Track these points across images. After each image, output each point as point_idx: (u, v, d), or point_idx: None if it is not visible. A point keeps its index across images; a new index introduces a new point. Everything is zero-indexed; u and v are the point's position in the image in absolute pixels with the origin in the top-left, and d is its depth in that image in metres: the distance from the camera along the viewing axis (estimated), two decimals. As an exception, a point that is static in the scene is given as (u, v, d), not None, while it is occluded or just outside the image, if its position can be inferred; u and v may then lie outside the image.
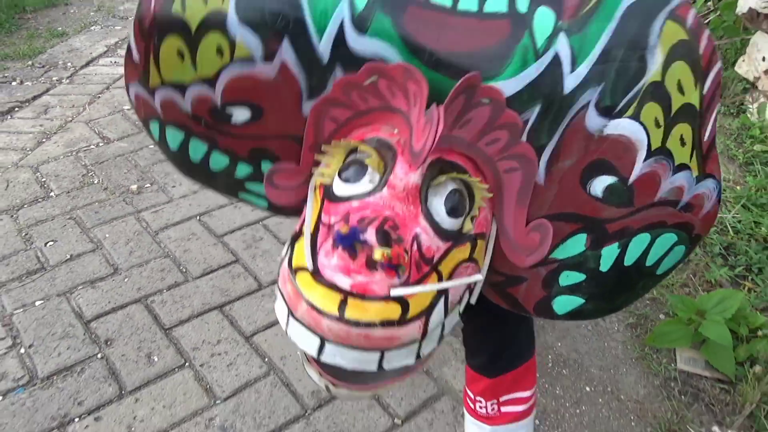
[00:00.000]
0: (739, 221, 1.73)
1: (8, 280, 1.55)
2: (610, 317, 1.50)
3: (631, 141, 0.58)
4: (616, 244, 0.64)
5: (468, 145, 0.62)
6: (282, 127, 0.67)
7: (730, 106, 2.39)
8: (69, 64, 2.98)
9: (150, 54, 0.65)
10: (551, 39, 0.58)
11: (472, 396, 0.99)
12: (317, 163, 0.66)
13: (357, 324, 0.52)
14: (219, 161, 0.72)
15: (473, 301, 0.69)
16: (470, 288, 0.66)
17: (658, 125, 0.59)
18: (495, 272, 0.70)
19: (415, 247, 0.56)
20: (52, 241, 1.69)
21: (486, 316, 0.83)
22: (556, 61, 0.58)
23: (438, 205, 0.59)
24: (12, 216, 1.80)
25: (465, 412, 1.04)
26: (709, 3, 2.89)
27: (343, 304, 0.52)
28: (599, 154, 0.60)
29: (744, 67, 2.35)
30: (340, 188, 0.61)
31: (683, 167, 0.61)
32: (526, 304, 0.71)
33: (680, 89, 0.59)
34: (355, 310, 0.52)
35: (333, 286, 0.53)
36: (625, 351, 1.42)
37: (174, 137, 0.72)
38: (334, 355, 0.55)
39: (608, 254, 0.64)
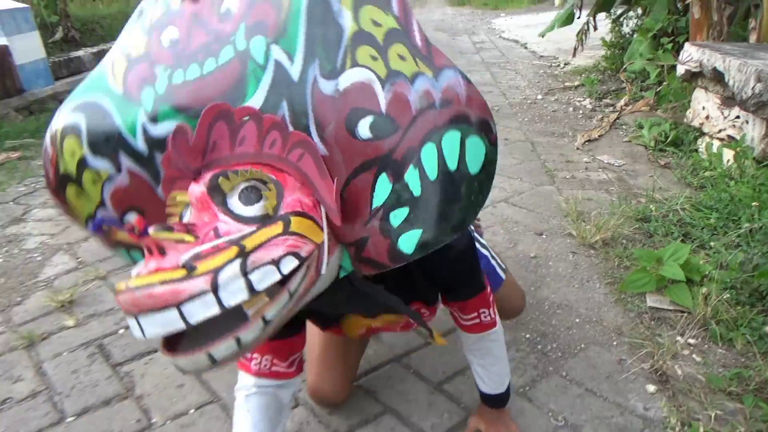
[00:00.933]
0: (692, 218, 2.13)
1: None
2: (591, 278, 1.86)
3: (362, 81, 0.71)
4: (411, 166, 0.72)
5: (254, 155, 0.73)
6: (160, 217, 0.79)
7: (686, 150, 2.87)
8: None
9: (65, 206, 0.84)
10: (267, 53, 0.73)
11: (475, 314, 1.13)
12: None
13: (138, 287, 0.62)
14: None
15: (323, 270, 0.75)
16: (319, 261, 0.74)
17: (375, 59, 0.72)
18: (348, 245, 0.78)
19: (212, 233, 0.68)
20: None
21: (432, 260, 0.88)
22: (277, 65, 0.73)
23: (235, 202, 0.71)
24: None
25: (467, 337, 1.17)
26: (661, 77, 3.51)
27: (131, 286, 0.63)
28: (348, 105, 0.72)
29: (691, 117, 2.88)
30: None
31: (417, 74, 0.72)
32: (381, 258, 0.76)
33: (376, 23, 0.73)
34: (138, 280, 0.63)
35: (137, 275, 0.64)
36: (606, 297, 1.76)
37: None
38: (148, 327, 0.62)
39: (411, 178, 0.72)
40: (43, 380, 1.47)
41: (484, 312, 1.13)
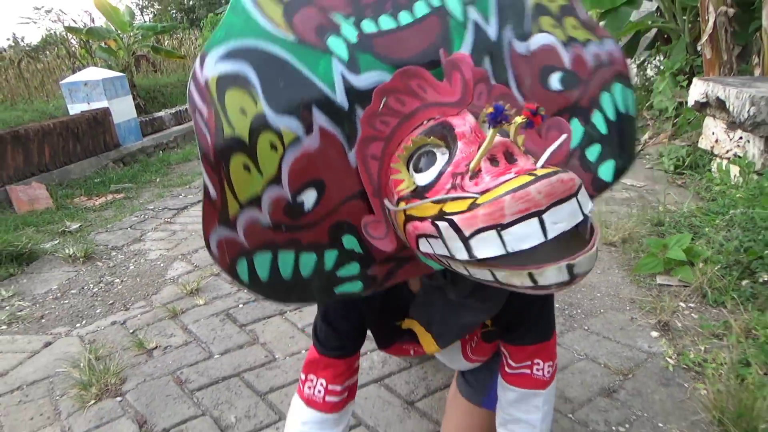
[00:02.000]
0: (700, 221, 2.51)
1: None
2: (611, 266, 2.26)
3: (549, 44, 0.80)
4: (596, 111, 0.84)
5: (464, 103, 0.74)
6: (343, 190, 0.73)
7: (701, 171, 3.26)
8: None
9: (224, 182, 0.71)
10: (465, 14, 0.77)
11: (528, 363, 1.04)
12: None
13: (548, 175, 0.58)
14: (308, 262, 0.77)
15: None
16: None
17: (555, 27, 0.82)
18: None
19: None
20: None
21: (518, 301, 0.95)
22: (476, 25, 0.77)
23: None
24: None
25: (505, 393, 1.07)
26: (679, 111, 3.92)
27: (529, 175, 0.58)
28: (540, 63, 0.80)
29: (703, 143, 3.27)
30: (424, 179, 0.68)
31: (588, 41, 0.84)
32: (590, 190, 0.81)
33: (551, 0, 0.83)
34: (540, 171, 0.59)
35: (507, 181, 0.59)
36: (623, 279, 2.16)
37: (262, 264, 0.76)
38: (555, 223, 0.57)
39: (598, 120, 0.84)
40: (190, 335, 1.97)
41: (539, 364, 1.03)
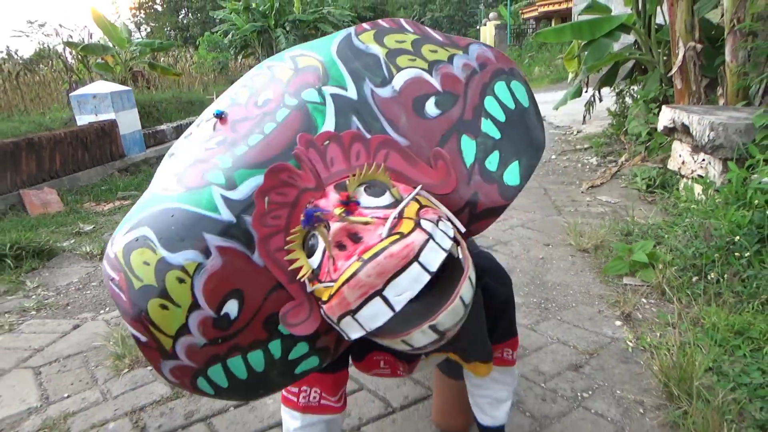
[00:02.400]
0: (664, 232, 2.79)
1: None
2: (584, 269, 2.53)
3: (413, 77, 0.85)
4: (483, 119, 0.86)
5: (346, 170, 0.80)
6: (261, 289, 0.78)
7: (670, 190, 3.56)
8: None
9: (149, 326, 0.77)
10: (320, 94, 0.86)
11: (498, 354, 1.17)
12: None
13: (376, 255, 0.64)
14: (257, 359, 0.81)
15: (463, 228, 0.82)
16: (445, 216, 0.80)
17: (413, 60, 0.88)
18: (460, 212, 0.84)
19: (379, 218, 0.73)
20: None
21: (482, 308, 1.02)
22: (334, 96, 0.85)
23: (366, 199, 0.76)
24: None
25: (489, 378, 1.18)
26: (651, 136, 4.24)
27: (360, 260, 0.65)
28: (409, 97, 0.85)
29: (672, 164, 3.58)
30: (315, 262, 0.75)
31: (452, 56, 0.89)
32: (496, 202, 0.85)
33: (399, 42, 0.90)
34: (367, 253, 0.65)
35: (346, 269, 0.66)
36: (593, 279, 2.43)
37: (217, 375, 0.81)
38: (397, 296, 0.63)
39: (487, 127, 0.86)
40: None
41: (507, 351, 1.16)
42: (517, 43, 18.35)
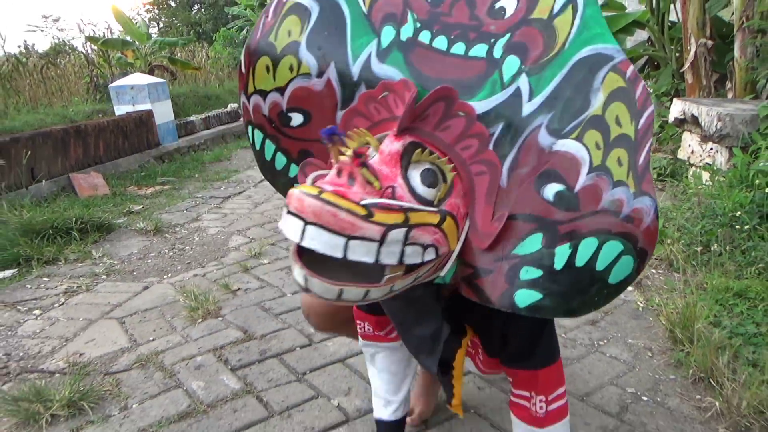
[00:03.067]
0: (673, 215, 3.03)
1: (277, 238, 2.96)
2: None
3: (575, 157, 0.72)
4: (567, 245, 0.72)
5: (447, 146, 0.78)
6: (320, 127, 0.81)
7: (679, 178, 3.79)
8: (250, 180, 4.67)
9: (251, 67, 0.91)
10: (515, 77, 0.77)
11: (526, 393, 1.02)
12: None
13: (328, 203, 0.65)
14: (281, 160, 0.94)
15: (443, 273, 0.80)
16: (443, 263, 0.79)
17: (598, 147, 0.72)
18: (467, 265, 0.80)
19: (389, 191, 0.73)
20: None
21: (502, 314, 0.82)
22: (517, 92, 0.77)
23: (415, 176, 0.76)
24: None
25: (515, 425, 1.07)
26: (663, 128, 4.46)
27: (321, 193, 0.66)
28: (550, 165, 0.73)
29: (681, 153, 3.81)
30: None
31: (621, 183, 0.71)
32: (491, 294, 0.77)
33: (618, 122, 0.72)
34: (329, 195, 0.66)
35: (319, 187, 0.68)
36: (607, 253, 2.67)
37: (258, 138, 0.95)
38: (312, 238, 0.65)
39: (561, 253, 0.72)
40: (264, 282, 2.47)
41: (533, 398, 1.01)
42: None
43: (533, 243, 0.75)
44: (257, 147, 0.96)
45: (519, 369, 1.03)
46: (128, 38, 8.91)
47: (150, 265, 2.80)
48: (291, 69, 0.88)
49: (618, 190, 0.71)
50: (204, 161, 5.69)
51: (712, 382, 1.57)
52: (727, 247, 2.33)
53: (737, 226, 2.38)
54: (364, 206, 0.67)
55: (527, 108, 0.77)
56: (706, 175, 3.42)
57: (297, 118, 0.90)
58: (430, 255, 0.73)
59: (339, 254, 0.66)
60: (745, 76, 3.79)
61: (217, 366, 1.79)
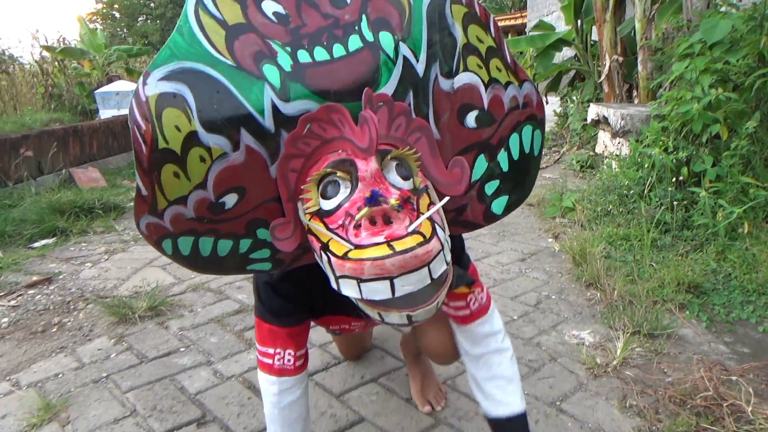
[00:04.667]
0: (588, 194, 3.84)
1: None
2: (528, 215, 3.54)
3: (472, 84, 0.89)
4: (502, 150, 0.94)
5: (384, 136, 0.83)
6: (262, 194, 0.85)
7: (597, 168, 4.64)
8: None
9: (155, 184, 0.81)
10: (396, 49, 0.84)
11: (464, 302, 1.13)
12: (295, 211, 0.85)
13: (405, 251, 0.71)
14: (224, 246, 0.89)
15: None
16: (443, 220, 0.86)
17: (480, 67, 0.89)
18: (446, 212, 0.91)
19: (408, 205, 0.78)
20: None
21: None
22: (405, 61, 0.84)
23: (394, 177, 0.81)
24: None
25: (463, 335, 1.17)
26: (585, 129, 5.34)
27: (390, 247, 0.72)
28: (459, 100, 0.89)
29: (598, 148, 4.67)
30: (327, 205, 0.80)
31: (508, 83, 0.92)
32: (476, 219, 0.96)
33: (479, 40, 0.89)
34: (400, 245, 0.72)
35: (377, 244, 0.72)
36: (535, 220, 3.45)
37: (185, 245, 0.87)
38: (403, 286, 0.72)
39: (502, 158, 0.94)
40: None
41: (473, 295, 1.14)
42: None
43: (481, 164, 0.93)
44: (186, 253, 0.88)
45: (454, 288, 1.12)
46: (83, 47, 9.09)
47: (168, 234, 3.39)
48: (203, 159, 0.80)
49: (510, 90, 0.92)
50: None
51: (598, 285, 2.33)
52: (620, 209, 3.14)
53: (627, 195, 3.20)
54: (413, 232, 0.74)
55: (420, 67, 0.86)
56: (614, 164, 4.27)
57: (231, 200, 0.84)
58: (444, 230, 0.83)
59: (428, 281, 0.74)
60: (645, 85, 4.69)
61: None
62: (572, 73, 6.62)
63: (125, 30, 28.25)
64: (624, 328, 1.93)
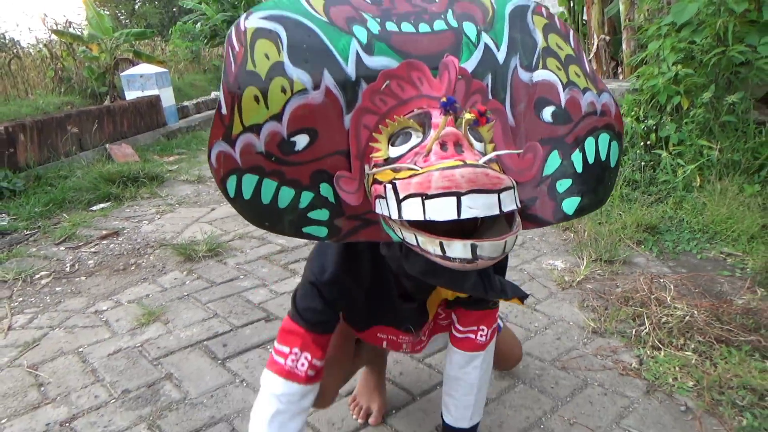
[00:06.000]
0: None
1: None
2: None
3: (550, 81, 0.92)
4: (576, 150, 0.92)
5: (461, 108, 0.82)
6: (332, 144, 0.85)
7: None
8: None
9: (235, 104, 0.81)
10: (478, 36, 0.90)
11: (474, 328, 1.17)
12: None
13: (477, 165, 0.70)
14: (286, 196, 0.86)
15: (518, 202, 0.77)
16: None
17: (559, 69, 0.93)
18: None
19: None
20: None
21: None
22: (487, 47, 0.90)
23: (469, 136, 0.81)
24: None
25: (453, 358, 1.20)
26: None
27: (461, 161, 0.71)
28: (537, 93, 0.92)
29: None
30: (396, 152, 0.81)
31: (586, 89, 0.93)
32: (546, 216, 0.92)
33: (559, 47, 0.95)
34: (471, 161, 0.71)
35: (447, 161, 0.72)
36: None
37: (249, 184, 0.84)
38: (470, 207, 0.67)
39: (576, 158, 0.92)
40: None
41: (482, 330, 1.17)
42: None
43: (554, 160, 0.91)
44: (248, 195, 0.85)
45: (479, 309, 1.16)
46: (91, 31, 9.39)
47: (206, 199, 3.90)
48: (284, 90, 0.82)
49: (588, 95, 0.93)
50: (204, 138, 6.71)
51: (572, 228, 2.84)
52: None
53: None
54: (485, 163, 0.73)
55: (500, 56, 0.90)
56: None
57: (302, 141, 0.85)
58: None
59: (496, 211, 0.69)
60: (628, 62, 5.15)
61: (286, 237, 2.93)
62: (565, 51, 7.05)
63: (123, 13, 28.40)
64: (589, 256, 2.44)
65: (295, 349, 1.06)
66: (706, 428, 1.40)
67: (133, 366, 1.79)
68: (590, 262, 2.39)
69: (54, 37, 9.66)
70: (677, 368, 1.62)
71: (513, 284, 1.05)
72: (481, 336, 1.17)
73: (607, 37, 5.63)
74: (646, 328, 1.82)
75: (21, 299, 2.34)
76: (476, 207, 0.68)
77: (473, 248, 0.70)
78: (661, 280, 2.15)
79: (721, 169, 3.12)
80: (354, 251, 1.03)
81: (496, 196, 0.69)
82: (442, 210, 0.69)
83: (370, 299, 1.09)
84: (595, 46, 5.67)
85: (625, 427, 1.43)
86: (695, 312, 1.83)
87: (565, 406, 1.52)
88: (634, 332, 1.83)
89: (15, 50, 10.81)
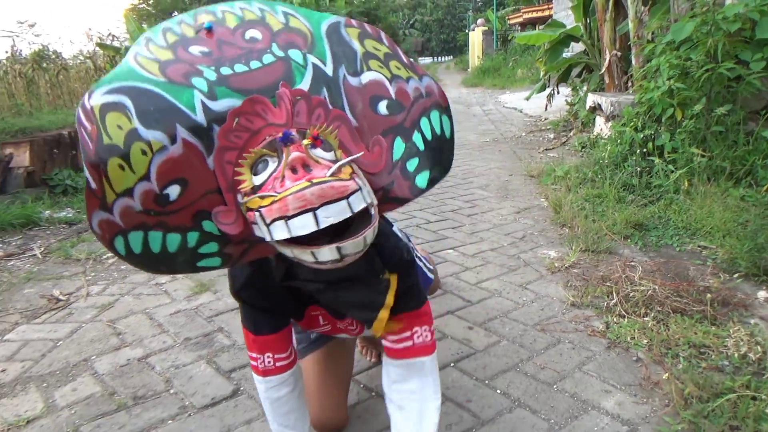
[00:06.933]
0: (586, 166, 4.65)
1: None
2: (530, 182, 4.39)
3: (377, 80, 1.05)
4: (416, 132, 1.08)
5: (306, 124, 0.94)
6: (203, 186, 0.92)
7: (595, 149, 5.43)
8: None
9: (102, 177, 0.89)
10: (305, 59, 1.00)
11: (409, 333, 1.18)
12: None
13: (322, 182, 0.82)
14: (174, 241, 0.95)
15: (371, 198, 0.93)
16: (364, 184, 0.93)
17: (381, 67, 1.06)
18: (376, 191, 1.00)
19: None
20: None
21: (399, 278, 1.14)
22: (315, 66, 1.00)
23: (317, 152, 0.91)
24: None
25: (391, 368, 1.21)
26: (578, 120, 6.13)
27: (308, 181, 0.83)
28: (369, 93, 1.04)
29: (595, 131, 5.47)
30: (258, 180, 0.90)
31: (409, 78, 1.08)
32: (404, 194, 1.04)
33: (376, 49, 1.07)
34: (318, 178, 0.84)
35: (298, 184, 0.83)
36: (535, 186, 4.29)
37: (136, 240, 0.94)
38: (326, 217, 0.82)
39: (417, 138, 1.07)
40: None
41: (417, 331, 1.18)
42: (502, 48, 20.21)
43: (399, 145, 1.05)
44: (137, 250, 0.95)
45: (411, 311, 1.19)
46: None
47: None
48: (144, 153, 0.88)
49: (411, 83, 1.08)
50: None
51: (568, 225, 3.18)
52: (599, 176, 3.97)
53: (606, 165, 4.02)
54: (331, 174, 0.86)
55: (329, 70, 1.01)
56: (604, 142, 5.07)
57: (174, 191, 0.92)
58: (368, 187, 0.94)
59: (348, 213, 0.85)
60: (637, 76, 5.46)
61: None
62: (582, 65, 7.38)
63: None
64: (578, 247, 2.79)
65: (257, 354, 1.21)
66: (651, 372, 1.74)
67: (191, 322, 2.20)
68: (579, 252, 2.73)
69: (98, 49, 10.32)
70: (636, 331, 1.96)
71: (421, 288, 1.24)
72: (419, 338, 1.19)
73: (619, 53, 5.94)
74: (614, 300, 2.16)
75: (93, 274, 2.79)
76: (331, 215, 0.83)
77: (339, 250, 0.85)
78: (632, 263, 2.49)
79: (709, 174, 3.43)
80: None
81: (345, 201, 0.84)
82: (304, 226, 0.83)
83: (290, 290, 1.16)
84: (607, 61, 5.99)
85: (585, 371, 1.77)
86: (656, 288, 2.17)
87: (539, 356, 1.88)
88: (605, 305, 2.17)
89: (61, 62, 11.50)
